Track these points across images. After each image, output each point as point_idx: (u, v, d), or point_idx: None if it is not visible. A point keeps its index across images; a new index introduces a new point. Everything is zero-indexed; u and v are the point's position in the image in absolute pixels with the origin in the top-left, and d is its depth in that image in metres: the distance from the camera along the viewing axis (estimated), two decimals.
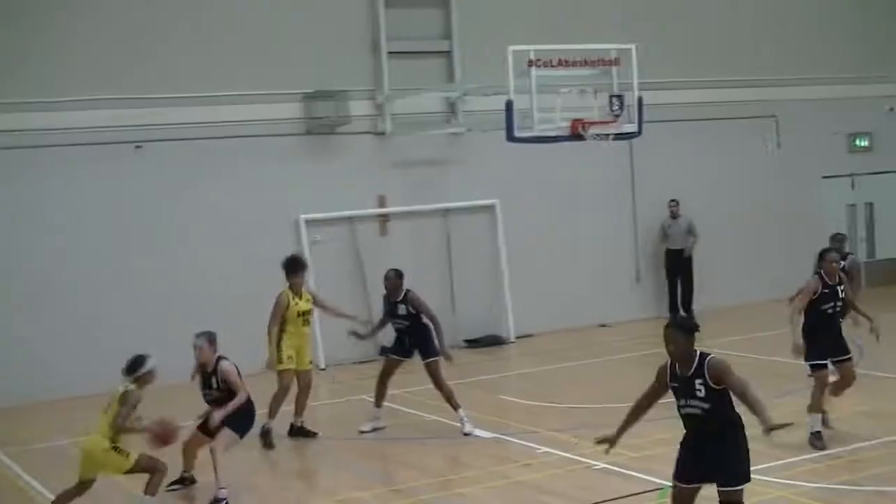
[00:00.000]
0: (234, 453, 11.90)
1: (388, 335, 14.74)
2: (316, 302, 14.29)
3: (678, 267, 22.32)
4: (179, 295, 18.32)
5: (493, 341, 20.14)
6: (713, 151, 22.88)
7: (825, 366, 12.54)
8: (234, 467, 11.96)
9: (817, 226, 23.98)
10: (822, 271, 12.58)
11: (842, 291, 12.50)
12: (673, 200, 22.28)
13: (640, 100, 16.58)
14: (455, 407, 13.99)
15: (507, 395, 15.86)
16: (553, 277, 21.02)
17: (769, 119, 23.61)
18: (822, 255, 12.83)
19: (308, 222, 19.42)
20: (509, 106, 15.83)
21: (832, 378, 12.77)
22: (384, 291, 14.34)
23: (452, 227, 20.39)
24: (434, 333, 14.00)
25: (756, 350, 17.54)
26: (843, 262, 13.57)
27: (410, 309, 14.01)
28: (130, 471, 10.90)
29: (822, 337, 12.44)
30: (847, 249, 13.54)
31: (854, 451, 12.13)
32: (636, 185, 22.24)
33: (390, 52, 19.84)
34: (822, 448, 12.18)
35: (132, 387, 10.83)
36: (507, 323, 20.62)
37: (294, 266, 14.10)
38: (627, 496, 11.12)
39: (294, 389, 14.06)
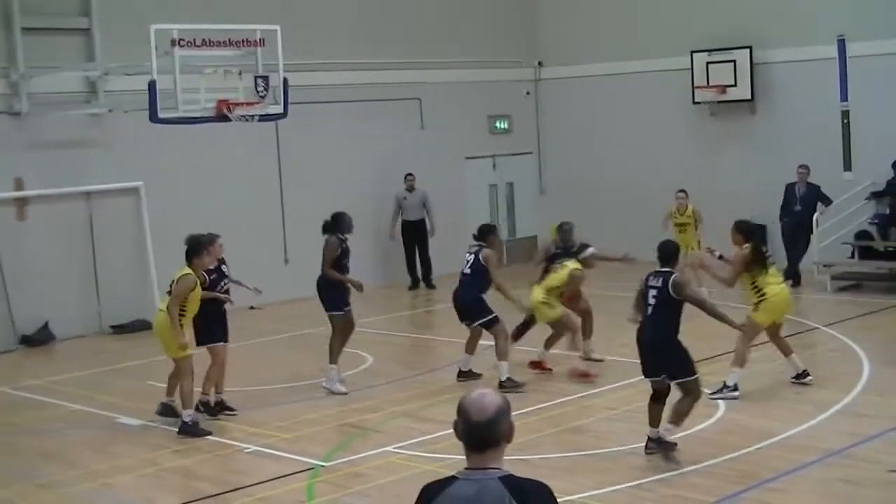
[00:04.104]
0: None
1: None
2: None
3: (415, 237, 23.29)
4: None
5: (141, 326, 19.59)
6: (362, 133, 23.11)
7: None
8: None
9: (461, 205, 24.78)
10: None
11: None
12: (409, 174, 22.97)
13: (285, 81, 16.65)
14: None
15: (155, 380, 15.51)
16: None
17: (414, 101, 24.13)
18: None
19: None
20: (152, 86, 15.56)
21: None
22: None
23: (95, 211, 19.74)
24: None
25: None
26: None
27: None
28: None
29: None
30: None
31: None
32: (283, 167, 22.22)
33: (24, 28, 18.93)
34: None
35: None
36: (154, 307, 20.12)
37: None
38: (279, 477, 11.13)
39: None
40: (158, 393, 13.63)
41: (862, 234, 21.59)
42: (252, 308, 20.43)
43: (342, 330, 14.49)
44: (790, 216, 21.35)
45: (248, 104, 16.16)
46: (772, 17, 22.94)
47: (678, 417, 11.04)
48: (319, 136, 22.33)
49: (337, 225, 14.42)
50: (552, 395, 13.68)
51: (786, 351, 13.80)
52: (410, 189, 23.19)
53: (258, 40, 16.33)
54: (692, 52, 23.50)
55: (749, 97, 23.09)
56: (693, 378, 10.98)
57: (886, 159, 21.27)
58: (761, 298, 13.31)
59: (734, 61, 23.03)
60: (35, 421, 13.97)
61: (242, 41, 16.30)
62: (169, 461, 11.96)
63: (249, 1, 20.99)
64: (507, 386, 13.65)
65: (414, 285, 23.40)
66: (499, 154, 26.11)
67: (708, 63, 23.35)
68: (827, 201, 20.99)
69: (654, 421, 11.13)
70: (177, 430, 12.83)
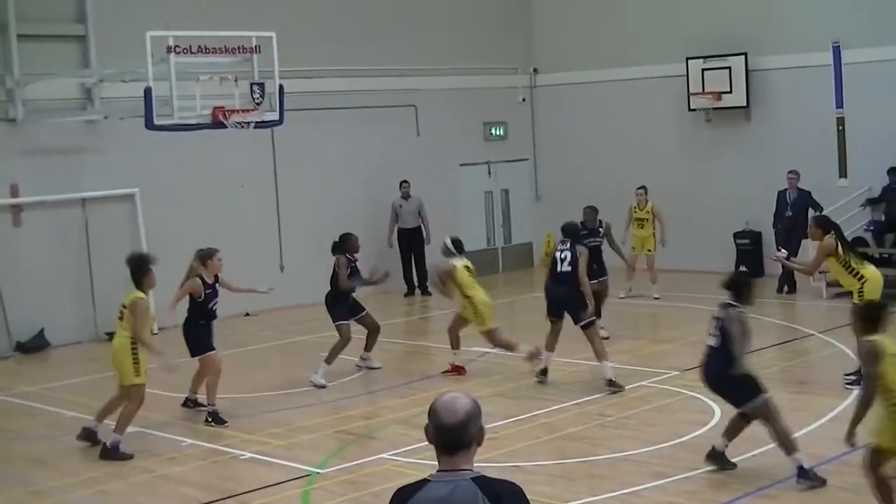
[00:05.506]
0: None
1: None
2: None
3: (411, 244, 23.35)
4: None
5: None
6: (357, 140, 23.11)
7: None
8: None
9: (457, 212, 24.77)
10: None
11: None
12: (405, 181, 23.02)
13: (280, 88, 16.65)
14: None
15: (150, 387, 15.50)
16: None
17: (409, 108, 24.13)
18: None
19: None
20: (148, 93, 15.54)
21: None
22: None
23: (91, 217, 19.73)
24: None
25: None
26: None
27: None
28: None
29: None
30: None
31: (493, 429, 12.55)
32: (279, 174, 22.20)
33: (20, 35, 18.93)
34: None
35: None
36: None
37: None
38: (273, 485, 11.12)
39: None
40: (150, 400, 13.54)
41: (857, 241, 21.57)
42: (247, 315, 20.45)
43: (346, 338, 15.40)
44: (782, 222, 21.41)
45: (243, 111, 16.15)
46: (767, 24, 22.96)
47: (784, 446, 10.61)
48: (315, 142, 22.31)
49: (344, 245, 15.54)
50: (547, 402, 13.67)
51: None
52: (406, 196, 23.20)
53: (254, 47, 16.32)
54: (687, 58, 23.53)
55: (744, 104, 23.11)
56: (756, 400, 10.57)
57: (881, 166, 21.29)
58: (863, 282, 13.59)
59: (729, 68, 23.06)
60: (29, 428, 13.96)
61: (238, 48, 16.29)
62: (163, 468, 11.94)
63: (245, 8, 21.02)
64: (612, 387, 14.07)
65: (410, 292, 23.39)
66: (494, 161, 26.11)
67: (703, 70, 23.38)
68: (818, 208, 20.98)
69: (727, 432, 10.93)
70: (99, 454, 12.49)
